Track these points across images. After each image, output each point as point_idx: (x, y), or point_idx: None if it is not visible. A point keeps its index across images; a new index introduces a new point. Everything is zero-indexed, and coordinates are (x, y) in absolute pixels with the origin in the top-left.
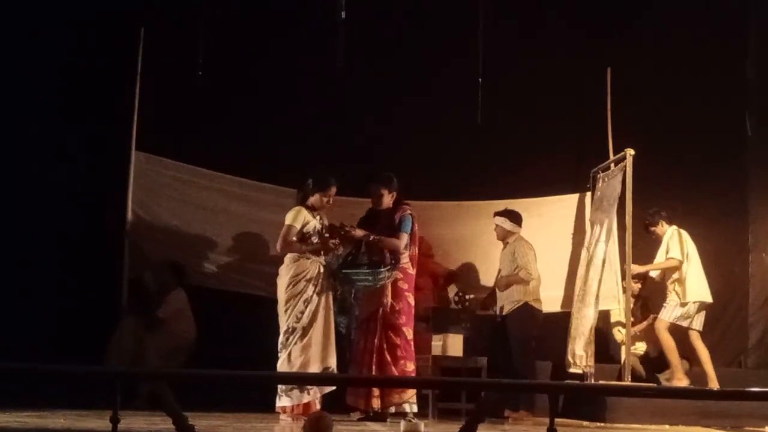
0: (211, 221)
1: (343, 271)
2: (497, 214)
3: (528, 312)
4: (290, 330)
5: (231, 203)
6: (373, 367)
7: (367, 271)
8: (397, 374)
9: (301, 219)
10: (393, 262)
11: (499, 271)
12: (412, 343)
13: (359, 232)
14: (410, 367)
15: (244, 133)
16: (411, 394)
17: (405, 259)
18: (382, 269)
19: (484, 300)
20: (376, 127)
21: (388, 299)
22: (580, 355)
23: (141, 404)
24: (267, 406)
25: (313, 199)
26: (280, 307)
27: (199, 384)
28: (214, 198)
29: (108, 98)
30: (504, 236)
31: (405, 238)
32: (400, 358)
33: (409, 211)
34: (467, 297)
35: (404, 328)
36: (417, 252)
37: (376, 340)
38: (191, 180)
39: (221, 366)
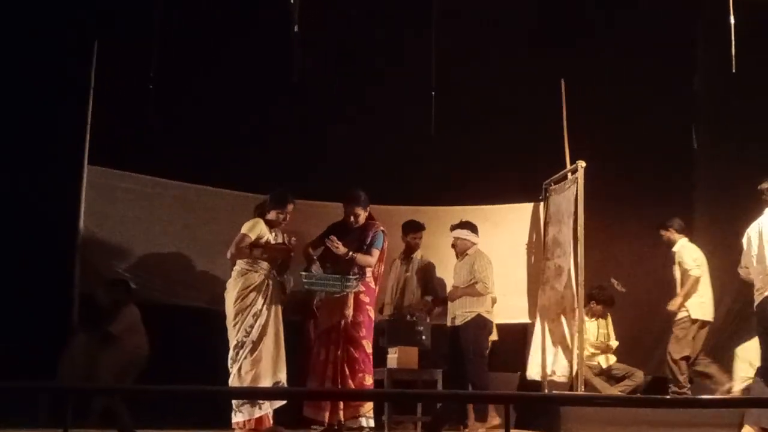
0: (165, 232)
1: (312, 277)
2: (457, 227)
3: (481, 323)
4: (240, 344)
5: (188, 212)
6: (329, 380)
7: (336, 277)
8: (354, 387)
9: (257, 231)
10: (360, 272)
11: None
12: (371, 356)
13: (342, 249)
14: (369, 380)
15: (199, 144)
16: (369, 407)
17: (369, 274)
18: (351, 277)
19: (430, 308)
20: (330, 137)
21: (351, 311)
22: (561, 365)
23: (94, 421)
24: (222, 422)
25: (270, 216)
26: (229, 322)
27: (153, 400)
28: (170, 208)
29: (60, 111)
30: (466, 249)
31: (377, 255)
32: (359, 371)
33: (381, 228)
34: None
35: (364, 342)
36: (382, 270)
37: (337, 353)
38: (145, 191)
39: (175, 382)
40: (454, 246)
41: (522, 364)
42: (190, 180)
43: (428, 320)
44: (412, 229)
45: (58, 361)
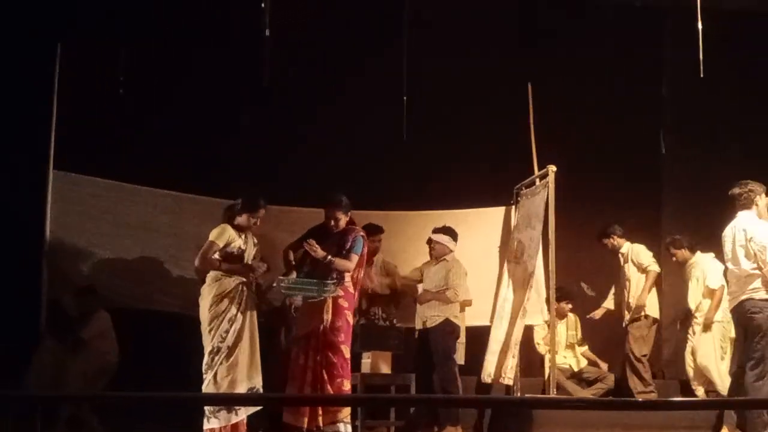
0: (133, 238)
1: (290, 282)
2: (439, 231)
3: (449, 327)
4: (215, 350)
5: (156, 217)
6: (308, 385)
7: (314, 281)
8: (333, 393)
9: (225, 237)
10: (338, 277)
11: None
12: (349, 361)
13: (320, 253)
14: (347, 385)
15: (167, 148)
16: (346, 413)
17: (347, 279)
18: (329, 282)
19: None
20: (301, 142)
21: (329, 316)
22: (510, 367)
23: (62, 429)
24: (196, 429)
25: (241, 219)
26: (204, 328)
27: (125, 407)
28: (137, 213)
29: (24, 116)
30: (443, 254)
31: (355, 260)
32: (337, 376)
33: (361, 234)
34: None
35: (342, 347)
36: (361, 275)
37: (317, 357)
38: (112, 196)
39: (146, 388)
40: (432, 248)
41: (475, 366)
42: (158, 185)
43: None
44: (371, 232)
45: (26, 368)
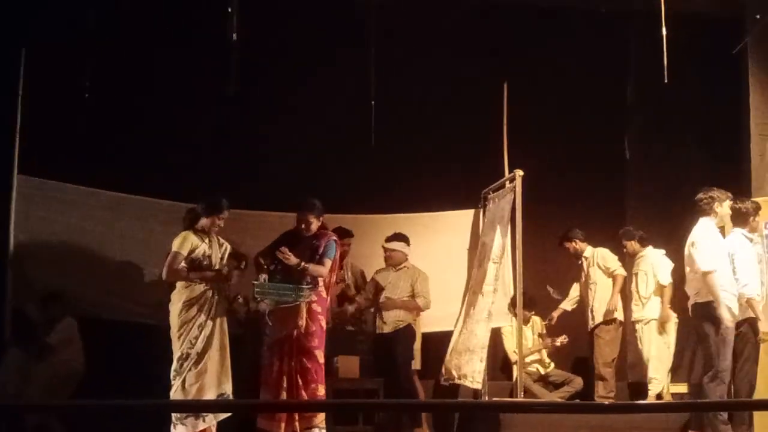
0: (99, 243)
1: (265, 287)
2: (392, 239)
3: (411, 332)
4: (184, 356)
5: (121, 221)
6: (284, 391)
7: (290, 287)
8: (307, 398)
9: (188, 245)
10: (313, 282)
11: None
12: (323, 366)
13: (294, 260)
14: (321, 391)
15: (133, 153)
16: (321, 418)
17: (321, 284)
18: (304, 287)
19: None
20: (268, 147)
21: (304, 321)
22: (479, 371)
23: None
24: None
25: (204, 222)
26: (173, 334)
27: (91, 415)
28: (103, 218)
29: None
30: (400, 261)
31: (329, 265)
32: (311, 381)
33: (333, 238)
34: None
35: (316, 352)
36: (334, 279)
37: (292, 363)
38: (78, 201)
39: (113, 396)
40: (388, 258)
41: (437, 370)
42: (123, 190)
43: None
44: (341, 235)
45: None
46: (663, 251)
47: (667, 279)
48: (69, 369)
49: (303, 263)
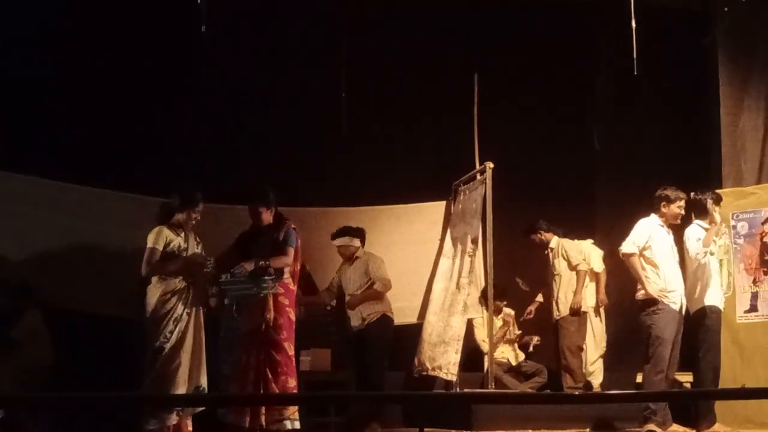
0: (62, 237)
1: (225, 281)
2: (336, 235)
3: (386, 322)
4: (159, 350)
5: (84, 215)
6: (251, 384)
7: (250, 279)
8: (278, 391)
9: (162, 240)
10: (276, 273)
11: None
12: (293, 358)
13: (249, 266)
14: (291, 383)
15: (98, 146)
16: (293, 410)
17: (286, 275)
18: (266, 278)
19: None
20: (238, 139)
21: (271, 314)
22: (454, 363)
23: None
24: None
25: (180, 217)
26: (148, 327)
27: (61, 409)
28: (64, 211)
29: None
30: (351, 254)
31: (291, 253)
32: (281, 374)
33: (292, 226)
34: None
35: (285, 344)
36: (299, 268)
37: (260, 357)
38: (41, 194)
39: (84, 390)
40: (339, 254)
41: (407, 362)
42: (92, 184)
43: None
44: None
45: None
46: (591, 240)
47: (600, 266)
48: (35, 363)
49: (263, 261)
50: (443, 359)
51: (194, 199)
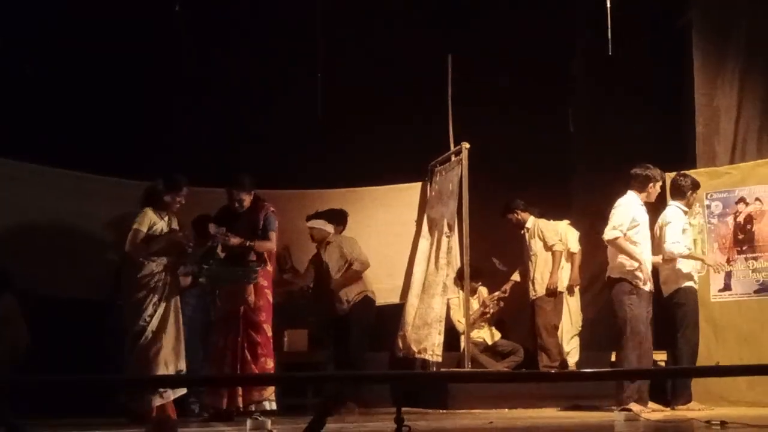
0: (36, 220)
1: (214, 270)
2: (312, 217)
3: (368, 303)
4: (139, 333)
5: (59, 198)
6: (228, 366)
7: (239, 267)
8: (257, 372)
9: (147, 221)
10: (259, 258)
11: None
12: (271, 339)
13: (236, 240)
14: (270, 364)
15: (77, 129)
16: (270, 391)
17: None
18: (254, 266)
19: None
20: (214, 121)
21: (252, 297)
22: (438, 344)
23: None
24: (115, 413)
25: (165, 200)
26: (127, 310)
27: (38, 394)
28: (37, 193)
29: None
30: (323, 238)
31: (274, 238)
32: (261, 355)
33: (271, 209)
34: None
35: (264, 326)
36: (274, 251)
37: (238, 339)
38: (18, 178)
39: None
40: (310, 236)
41: (391, 343)
42: (67, 167)
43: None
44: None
45: None
46: (567, 221)
47: (576, 246)
48: (11, 348)
49: (248, 242)
50: (428, 341)
51: (179, 184)
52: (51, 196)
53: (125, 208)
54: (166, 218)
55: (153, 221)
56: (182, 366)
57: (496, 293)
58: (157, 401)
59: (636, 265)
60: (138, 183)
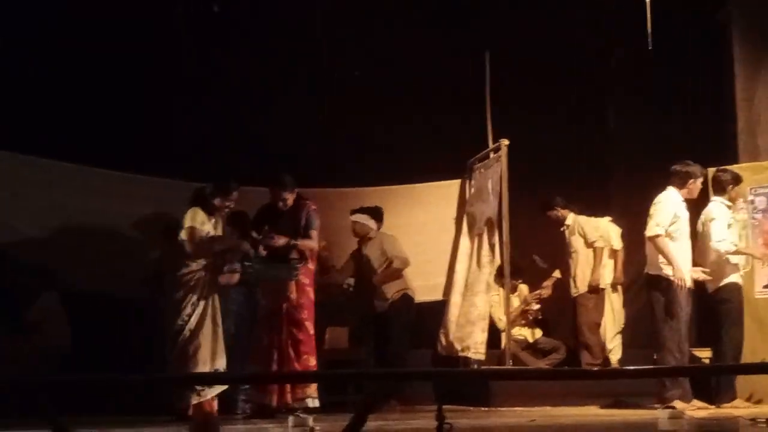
0: (79, 218)
1: (258, 269)
2: (357, 211)
3: (408, 300)
4: (177, 331)
5: (101, 197)
6: (275, 364)
7: (284, 265)
8: (300, 369)
9: (199, 220)
10: (302, 256)
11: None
12: (313, 337)
13: (281, 240)
14: (312, 361)
15: (117, 129)
16: (314, 388)
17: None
18: (296, 263)
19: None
20: (250, 120)
21: (294, 294)
22: (482, 342)
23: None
24: (163, 410)
25: (213, 203)
26: (167, 309)
27: (91, 391)
28: (81, 192)
29: None
30: (365, 233)
31: (316, 236)
32: (303, 353)
33: (313, 207)
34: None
35: (306, 323)
36: (316, 248)
37: (281, 336)
38: (60, 177)
39: (103, 372)
40: (352, 230)
41: (432, 340)
42: (106, 166)
43: None
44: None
45: None
46: (609, 218)
47: (618, 243)
48: (52, 345)
49: (292, 241)
50: (470, 339)
51: (229, 188)
52: (92, 194)
53: (168, 208)
54: (213, 221)
55: (202, 221)
56: (219, 365)
57: (538, 291)
58: (195, 399)
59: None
60: (183, 183)
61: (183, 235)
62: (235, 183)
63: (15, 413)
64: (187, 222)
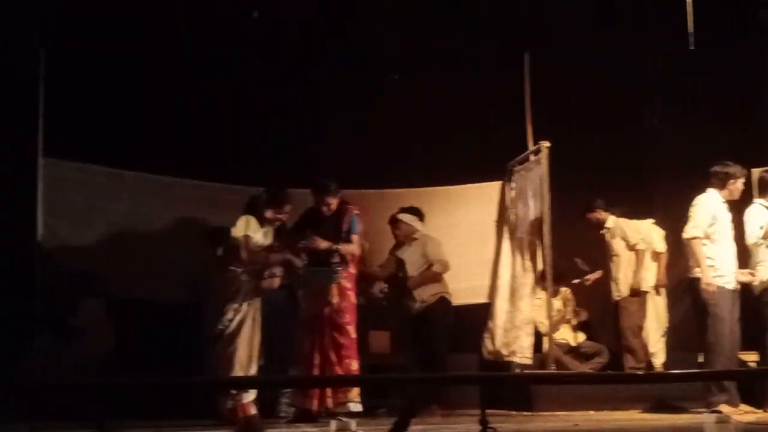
0: (124, 224)
1: (304, 274)
2: (404, 210)
3: (445, 304)
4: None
5: (145, 203)
6: (317, 368)
7: (327, 270)
8: (342, 373)
9: (251, 229)
10: (343, 260)
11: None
12: (356, 341)
13: (324, 244)
14: (354, 365)
15: (160, 134)
16: (356, 392)
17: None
18: (337, 267)
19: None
20: (290, 120)
21: (336, 299)
22: (527, 346)
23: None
24: (201, 413)
25: (267, 214)
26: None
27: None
28: (131, 199)
29: (11, 104)
30: (409, 233)
31: (357, 241)
32: (345, 357)
33: (356, 212)
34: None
35: (348, 327)
36: (358, 253)
37: (323, 340)
38: (104, 182)
39: (146, 376)
40: (396, 228)
41: (477, 344)
42: (149, 171)
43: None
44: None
45: (22, 358)
46: (652, 220)
47: (662, 246)
48: (97, 350)
49: (333, 245)
50: (516, 344)
51: (282, 200)
52: (137, 200)
53: (213, 212)
54: (264, 231)
55: (255, 229)
56: (252, 371)
57: (578, 279)
58: (230, 403)
59: (708, 264)
60: (213, 185)
61: (238, 241)
62: (288, 195)
63: (59, 417)
64: (242, 230)
